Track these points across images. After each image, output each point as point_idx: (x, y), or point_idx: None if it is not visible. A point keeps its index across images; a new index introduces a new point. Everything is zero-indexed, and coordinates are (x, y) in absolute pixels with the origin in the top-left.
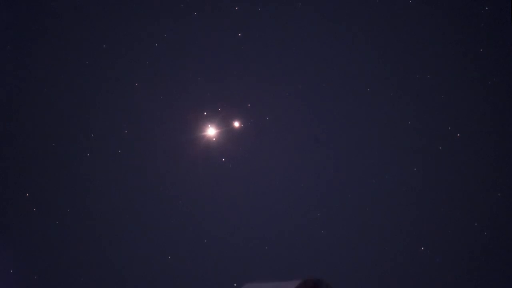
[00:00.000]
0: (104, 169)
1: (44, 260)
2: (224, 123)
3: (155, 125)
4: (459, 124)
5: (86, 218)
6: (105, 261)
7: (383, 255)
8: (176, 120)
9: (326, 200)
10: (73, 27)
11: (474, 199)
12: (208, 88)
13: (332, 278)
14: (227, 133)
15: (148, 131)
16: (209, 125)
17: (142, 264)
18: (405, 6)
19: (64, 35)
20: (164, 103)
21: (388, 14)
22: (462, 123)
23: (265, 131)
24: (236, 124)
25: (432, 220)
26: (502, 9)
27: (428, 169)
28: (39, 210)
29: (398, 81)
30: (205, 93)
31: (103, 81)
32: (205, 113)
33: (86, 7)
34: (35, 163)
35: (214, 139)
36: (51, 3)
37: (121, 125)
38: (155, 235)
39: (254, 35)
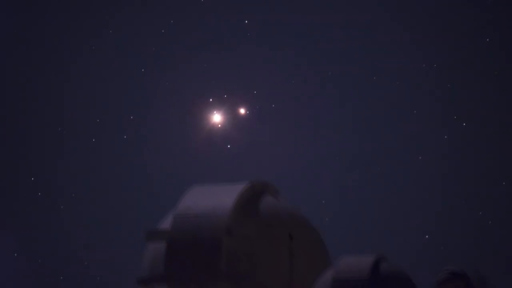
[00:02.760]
0: (110, 163)
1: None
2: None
3: (161, 113)
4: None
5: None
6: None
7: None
8: (183, 107)
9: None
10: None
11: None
12: (214, 75)
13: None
14: (233, 119)
15: (155, 119)
16: (215, 112)
17: None
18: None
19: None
20: (171, 90)
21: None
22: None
23: (270, 118)
24: (242, 111)
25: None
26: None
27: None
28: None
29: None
30: (211, 80)
31: (113, 74)
32: (211, 100)
33: None
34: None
35: (219, 125)
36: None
37: (128, 111)
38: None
39: (261, 22)
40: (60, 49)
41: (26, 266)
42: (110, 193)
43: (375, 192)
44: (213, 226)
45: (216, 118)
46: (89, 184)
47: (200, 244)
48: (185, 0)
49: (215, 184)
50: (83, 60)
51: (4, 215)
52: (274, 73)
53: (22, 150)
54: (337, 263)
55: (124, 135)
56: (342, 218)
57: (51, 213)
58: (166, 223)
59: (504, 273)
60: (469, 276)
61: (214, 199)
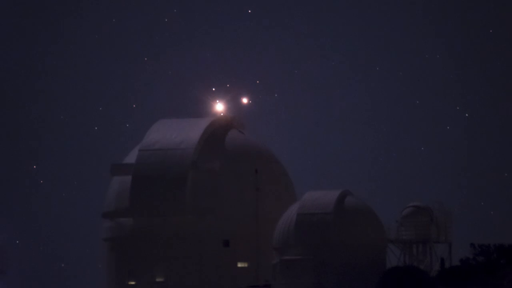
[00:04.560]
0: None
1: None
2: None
3: (163, 101)
4: None
5: None
6: None
7: None
8: (185, 96)
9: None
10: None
11: None
12: (217, 64)
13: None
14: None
15: (156, 106)
16: (218, 101)
17: None
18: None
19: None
20: (174, 79)
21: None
22: None
23: (273, 107)
24: (245, 100)
25: None
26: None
27: None
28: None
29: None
30: (214, 69)
31: (115, 60)
32: (213, 89)
33: None
34: None
35: (222, 114)
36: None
37: (130, 99)
38: None
39: (264, 12)
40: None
41: None
42: (75, 125)
43: (346, 130)
44: (179, 160)
45: (219, 106)
46: (51, 116)
47: (165, 177)
48: None
49: (181, 119)
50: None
51: None
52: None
53: None
54: (303, 197)
55: (95, 69)
56: (309, 153)
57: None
58: (131, 157)
59: (467, 206)
60: (433, 210)
61: (180, 133)
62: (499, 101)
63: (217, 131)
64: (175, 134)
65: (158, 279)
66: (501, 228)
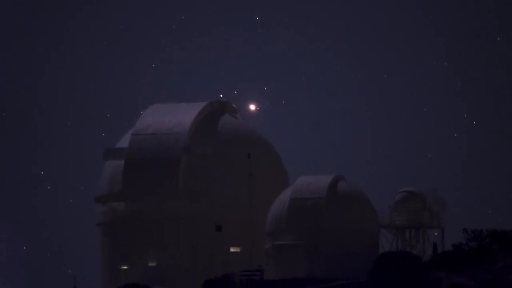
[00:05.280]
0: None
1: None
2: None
3: (156, 85)
4: None
5: None
6: None
7: None
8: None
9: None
10: None
11: None
12: (225, 70)
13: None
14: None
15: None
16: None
17: None
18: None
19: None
20: (181, 85)
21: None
22: None
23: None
24: (252, 107)
25: None
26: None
27: None
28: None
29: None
30: (221, 75)
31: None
32: (221, 95)
33: None
34: None
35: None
36: None
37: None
38: None
39: (272, 20)
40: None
41: None
42: (68, 110)
43: (339, 116)
44: (172, 144)
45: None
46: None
47: (158, 161)
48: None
49: (174, 103)
50: None
51: None
52: None
53: None
54: (296, 182)
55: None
56: (302, 138)
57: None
58: (124, 142)
59: (460, 192)
60: (426, 196)
61: (173, 117)
62: (493, 85)
63: (210, 115)
64: (168, 118)
65: (151, 264)
66: (493, 213)
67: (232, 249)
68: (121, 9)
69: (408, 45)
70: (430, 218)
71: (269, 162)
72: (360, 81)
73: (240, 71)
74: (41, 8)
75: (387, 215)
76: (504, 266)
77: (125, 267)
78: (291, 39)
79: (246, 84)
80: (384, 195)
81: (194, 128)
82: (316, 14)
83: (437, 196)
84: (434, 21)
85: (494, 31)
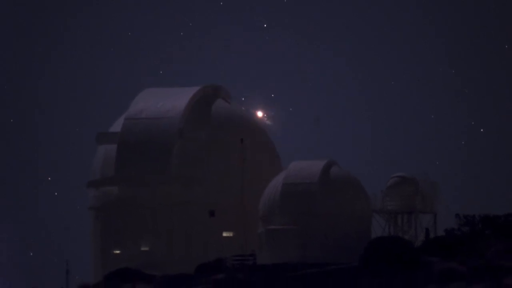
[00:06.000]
0: None
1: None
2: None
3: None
4: None
5: None
6: None
7: None
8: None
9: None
10: None
11: None
12: (225, 70)
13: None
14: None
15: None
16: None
17: None
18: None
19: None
20: (181, 85)
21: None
22: None
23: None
24: (260, 113)
25: None
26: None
27: None
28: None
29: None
30: (221, 75)
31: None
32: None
33: None
34: None
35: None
36: None
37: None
38: None
39: (279, 27)
40: None
41: None
42: (61, 94)
43: (332, 100)
44: (165, 129)
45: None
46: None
47: (151, 146)
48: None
49: (168, 88)
50: None
51: None
52: None
53: None
54: (288, 167)
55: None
56: (295, 124)
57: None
58: (117, 126)
59: (452, 177)
60: (418, 181)
61: (166, 102)
62: (487, 69)
63: (203, 100)
64: (161, 103)
65: (143, 248)
66: (486, 199)
67: (225, 234)
68: (121, 9)
69: (408, 45)
70: (423, 203)
71: (262, 147)
72: (360, 81)
73: (240, 71)
74: (41, 8)
75: (379, 200)
76: (496, 252)
77: (117, 252)
78: (291, 39)
79: (246, 84)
80: (377, 180)
81: (187, 112)
82: (316, 14)
83: (429, 181)
84: (434, 21)
85: (494, 31)
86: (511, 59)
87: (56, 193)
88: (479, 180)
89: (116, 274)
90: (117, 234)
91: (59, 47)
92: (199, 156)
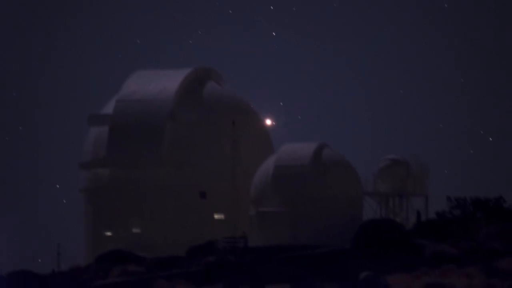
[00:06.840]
0: None
1: None
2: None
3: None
4: None
5: None
6: None
7: None
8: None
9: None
10: None
11: None
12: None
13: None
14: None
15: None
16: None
17: None
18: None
19: None
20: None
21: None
22: None
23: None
24: (268, 121)
25: None
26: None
27: None
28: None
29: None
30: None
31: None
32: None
33: None
34: None
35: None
36: None
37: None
38: None
39: (287, 35)
40: None
41: None
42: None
43: (324, 83)
44: (156, 111)
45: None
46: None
47: (143, 128)
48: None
49: (159, 70)
50: None
51: None
52: None
53: None
54: (280, 149)
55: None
56: (287, 106)
57: None
58: (109, 108)
59: (443, 159)
60: (409, 163)
61: (158, 84)
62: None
63: (195, 82)
64: (153, 85)
65: (135, 230)
66: (477, 181)
67: (216, 216)
68: (121, 9)
69: (408, 45)
70: (414, 186)
71: (253, 129)
72: (360, 81)
73: (240, 71)
74: (41, 8)
75: (371, 183)
76: (487, 234)
77: (109, 233)
78: (291, 39)
79: (246, 84)
80: (368, 162)
81: (179, 94)
82: (316, 14)
83: (420, 163)
84: (434, 21)
85: (494, 31)
86: (511, 59)
87: (48, 175)
88: (470, 163)
89: (107, 255)
90: (109, 216)
91: (59, 47)
92: (190, 138)
